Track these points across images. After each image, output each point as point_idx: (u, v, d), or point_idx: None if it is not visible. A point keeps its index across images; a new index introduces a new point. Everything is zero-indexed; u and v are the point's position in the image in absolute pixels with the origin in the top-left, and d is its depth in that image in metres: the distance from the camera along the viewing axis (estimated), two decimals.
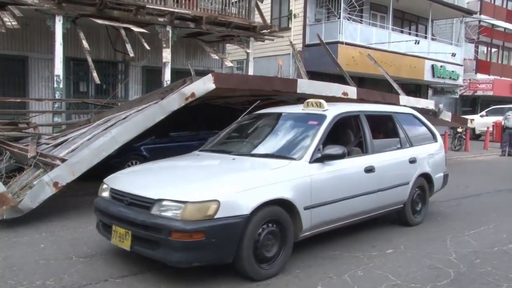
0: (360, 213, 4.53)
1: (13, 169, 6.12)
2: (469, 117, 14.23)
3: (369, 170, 4.49)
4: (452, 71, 20.93)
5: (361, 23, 17.27)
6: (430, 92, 22.55)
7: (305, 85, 7.74)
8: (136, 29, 9.90)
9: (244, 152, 4.44)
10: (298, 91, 7.57)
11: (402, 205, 5.11)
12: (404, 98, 10.27)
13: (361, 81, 17.39)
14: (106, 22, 9.84)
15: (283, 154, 4.11)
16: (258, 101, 6.10)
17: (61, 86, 9.53)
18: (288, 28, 17.12)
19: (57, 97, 9.54)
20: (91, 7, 9.63)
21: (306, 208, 3.83)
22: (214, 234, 3.23)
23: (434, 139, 5.77)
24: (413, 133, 5.46)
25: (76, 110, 10.41)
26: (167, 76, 10.60)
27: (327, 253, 4.25)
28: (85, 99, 10.69)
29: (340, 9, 16.02)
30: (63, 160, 5.47)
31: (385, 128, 5.38)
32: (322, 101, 4.55)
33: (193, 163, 4.45)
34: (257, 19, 12.90)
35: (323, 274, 3.75)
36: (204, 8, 11.74)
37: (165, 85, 10.14)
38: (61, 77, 9.47)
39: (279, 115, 4.91)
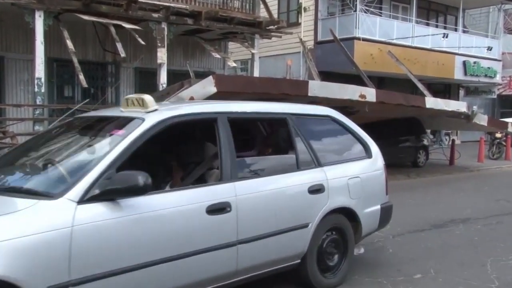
0: (201, 283, 3.15)
1: None
2: (509, 120, 14.10)
3: (219, 210, 3.17)
4: (488, 68, 20.76)
5: (380, 15, 17.30)
6: (461, 92, 22.44)
7: (317, 87, 7.77)
8: (127, 25, 9.99)
9: None
10: (309, 94, 7.61)
11: (298, 260, 3.76)
12: (430, 100, 10.26)
13: (380, 81, 17.35)
14: (94, 19, 9.94)
15: (35, 187, 2.83)
16: (85, 101, 5.63)
17: (42, 90, 9.61)
18: (297, 24, 17.18)
19: (38, 102, 9.62)
20: (76, 1, 9.73)
21: None
22: None
23: (367, 153, 4.44)
24: (327, 145, 4.28)
25: (60, 117, 10.49)
26: (162, 78, 10.67)
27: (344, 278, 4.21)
28: (70, 104, 10.77)
29: (356, 1, 16.07)
30: None
31: (272, 139, 4.35)
32: (146, 97, 3.30)
33: None
34: (263, 13, 12.97)
35: None
36: (203, 2, 11.84)
37: (160, 88, 10.20)
38: (42, 80, 9.55)
39: (87, 121, 3.89)
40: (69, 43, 9.45)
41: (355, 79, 11.66)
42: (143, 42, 9.89)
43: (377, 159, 4.51)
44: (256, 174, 3.71)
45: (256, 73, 12.74)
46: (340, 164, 4.18)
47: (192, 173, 3.72)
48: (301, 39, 14.59)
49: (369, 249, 5.02)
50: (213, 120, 3.46)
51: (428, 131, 15.84)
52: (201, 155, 3.82)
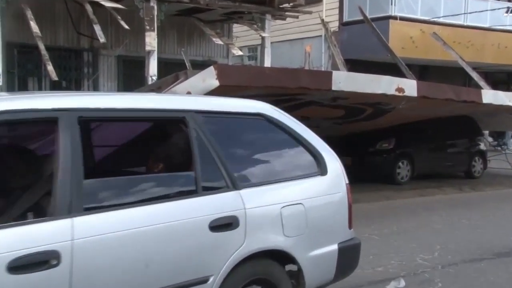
0: None
1: None
2: None
3: (34, 264, 2.47)
4: None
5: None
6: None
7: (342, 80, 7.77)
8: (107, 3, 9.99)
9: None
10: (333, 87, 7.60)
11: None
12: (488, 93, 10.19)
13: (423, 71, 17.30)
14: None
15: None
16: None
17: (0, 82, 9.63)
18: (318, 0, 17.18)
19: None
20: None
21: None
22: None
23: (320, 169, 3.79)
24: (253, 158, 3.71)
25: None
26: (152, 69, 10.65)
27: None
28: None
29: None
30: None
31: (165, 149, 3.82)
32: None
33: None
34: None
35: None
36: None
37: (150, 81, 10.21)
38: (0, 70, 9.57)
39: None
40: (33, 25, 9.45)
41: (391, 68, 11.59)
42: (126, 27, 9.85)
43: (336, 176, 3.84)
44: (119, 204, 2.92)
45: (267, 63, 12.73)
46: (271, 185, 3.53)
47: (17, 204, 3.03)
48: (322, 20, 14.54)
49: (411, 282, 4.99)
50: (51, 121, 2.80)
51: (486, 132, 15.67)
52: (38, 175, 3.16)
